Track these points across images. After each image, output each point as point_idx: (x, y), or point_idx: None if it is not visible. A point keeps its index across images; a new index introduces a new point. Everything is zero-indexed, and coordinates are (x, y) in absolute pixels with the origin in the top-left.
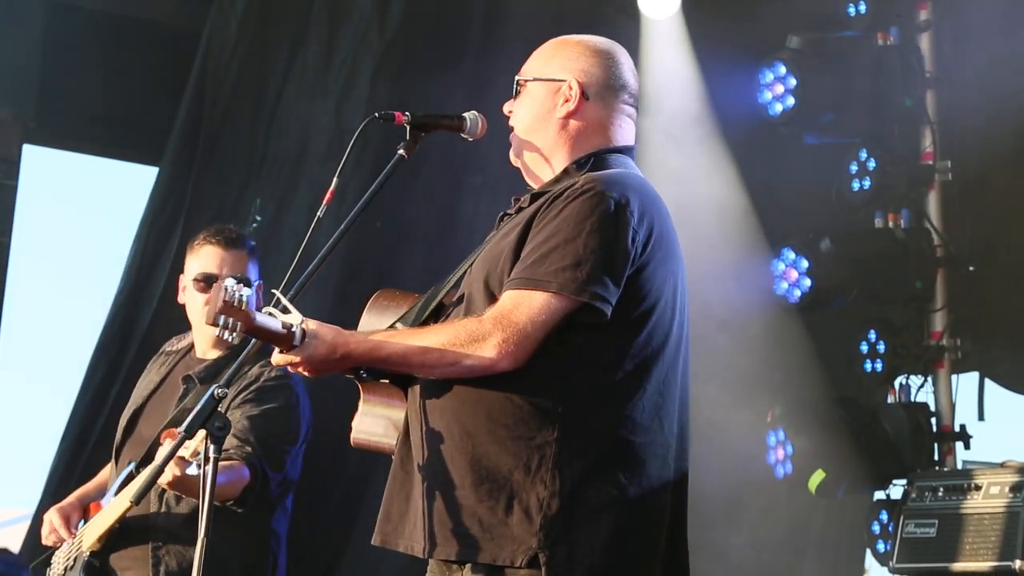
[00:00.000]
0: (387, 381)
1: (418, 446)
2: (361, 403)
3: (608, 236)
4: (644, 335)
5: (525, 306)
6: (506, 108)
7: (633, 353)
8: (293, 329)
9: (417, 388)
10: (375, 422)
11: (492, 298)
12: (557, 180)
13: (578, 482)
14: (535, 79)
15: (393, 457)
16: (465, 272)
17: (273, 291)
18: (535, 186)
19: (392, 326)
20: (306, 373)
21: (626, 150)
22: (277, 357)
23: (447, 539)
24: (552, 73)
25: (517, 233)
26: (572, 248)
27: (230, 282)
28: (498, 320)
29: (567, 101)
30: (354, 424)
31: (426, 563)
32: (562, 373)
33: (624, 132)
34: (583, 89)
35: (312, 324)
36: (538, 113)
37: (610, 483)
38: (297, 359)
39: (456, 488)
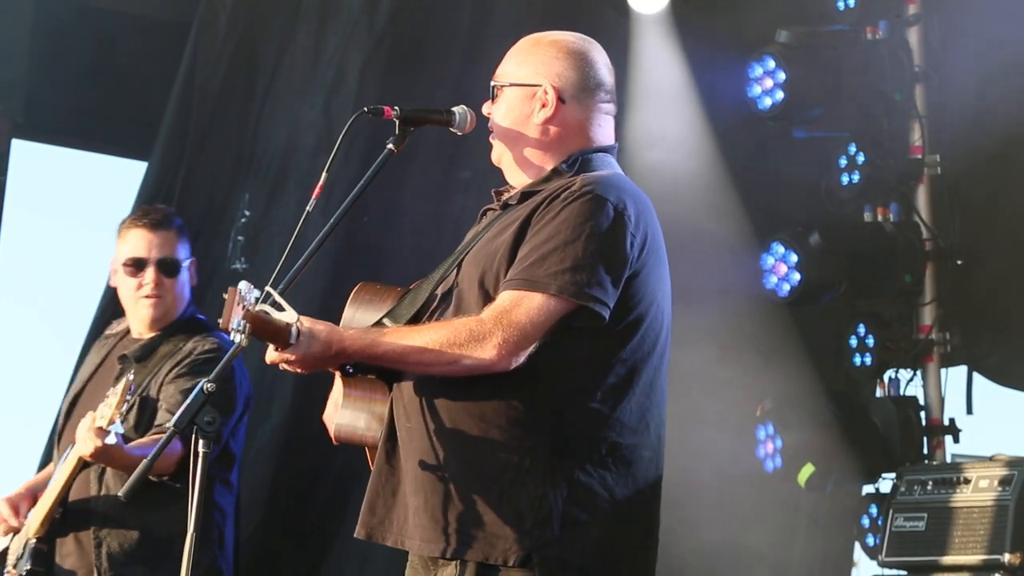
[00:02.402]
0: (373, 376)
1: (407, 443)
2: (342, 397)
3: (607, 240)
4: (636, 339)
5: (524, 307)
6: (484, 110)
7: (625, 357)
8: (290, 328)
9: (405, 385)
10: (357, 416)
11: (487, 297)
12: (547, 180)
13: (569, 483)
14: (511, 84)
15: (377, 451)
16: (452, 268)
17: (268, 289)
18: (517, 185)
19: (379, 322)
20: (299, 370)
21: (609, 149)
22: (272, 355)
23: (439, 536)
24: (527, 78)
25: (512, 232)
26: (571, 251)
27: (244, 286)
28: (498, 320)
29: (544, 107)
30: (336, 418)
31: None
32: (556, 375)
33: (604, 131)
34: (559, 93)
35: (307, 322)
36: (516, 119)
37: (600, 484)
38: (292, 357)
39: (448, 486)
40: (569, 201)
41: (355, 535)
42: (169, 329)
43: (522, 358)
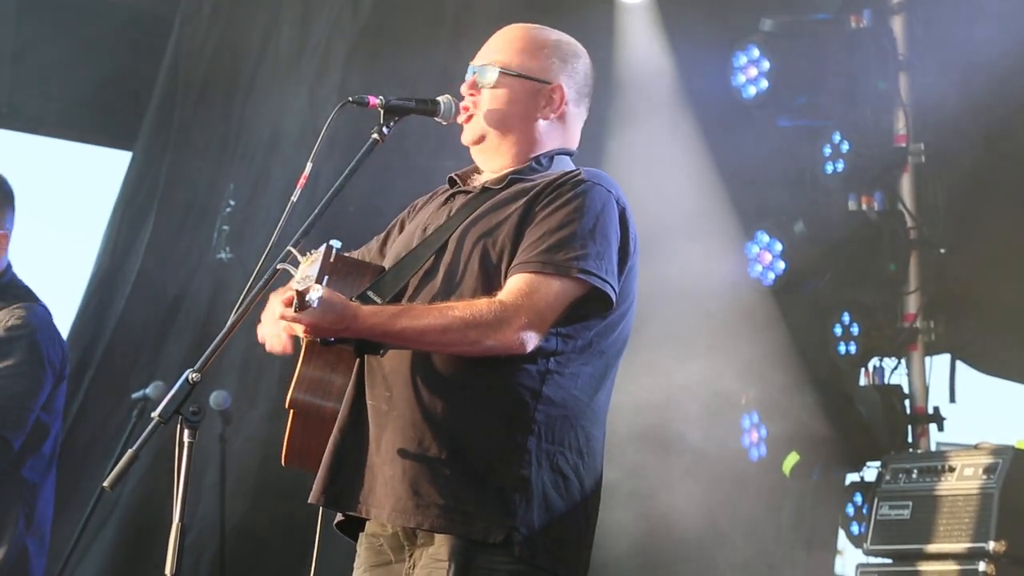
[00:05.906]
0: (342, 347)
1: (383, 413)
2: (301, 365)
3: (616, 232)
4: (616, 334)
5: (544, 291)
6: (465, 90)
7: (604, 349)
8: (312, 292)
9: (388, 356)
10: (314, 385)
11: (487, 275)
12: (531, 170)
13: (551, 467)
14: (520, 75)
15: (338, 420)
16: (433, 249)
17: (289, 248)
18: (488, 169)
19: (364, 295)
20: (304, 336)
21: (573, 152)
22: (285, 311)
23: (417, 507)
24: (538, 72)
25: (518, 214)
26: (590, 238)
27: (336, 244)
28: (519, 303)
29: (551, 106)
30: (292, 385)
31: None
32: (549, 360)
33: (578, 135)
34: (567, 97)
35: (325, 290)
36: (517, 109)
37: (573, 472)
38: (305, 320)
39: (431, 460)
40: (578, 191)
41: (309, 500)
42: None
43: (539, 341)
